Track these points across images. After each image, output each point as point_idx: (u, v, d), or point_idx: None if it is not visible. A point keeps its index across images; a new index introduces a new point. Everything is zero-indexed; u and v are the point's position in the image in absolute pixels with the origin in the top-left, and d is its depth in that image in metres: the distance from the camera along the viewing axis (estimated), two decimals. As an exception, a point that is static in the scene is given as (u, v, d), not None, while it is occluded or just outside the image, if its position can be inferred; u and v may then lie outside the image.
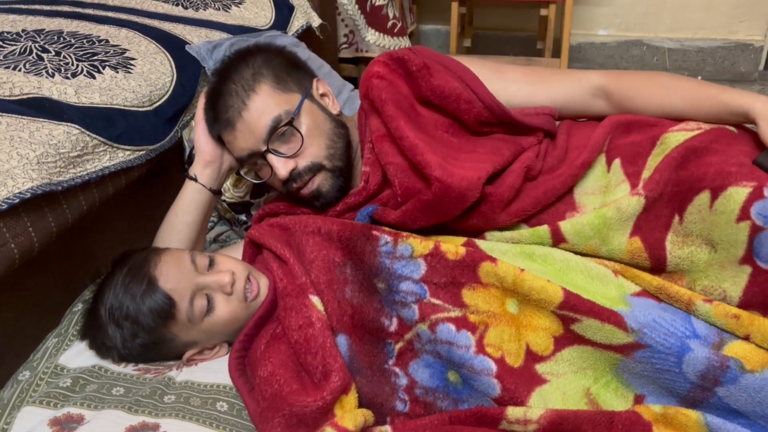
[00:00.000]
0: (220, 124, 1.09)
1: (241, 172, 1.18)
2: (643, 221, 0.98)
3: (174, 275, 0.98)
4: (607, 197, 1.04)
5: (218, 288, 0.99)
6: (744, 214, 0.88)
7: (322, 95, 1.16)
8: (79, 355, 1.02)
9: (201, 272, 1.00)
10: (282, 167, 1.06)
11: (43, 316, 1.07)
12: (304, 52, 1.67)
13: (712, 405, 0.86)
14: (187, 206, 1.16)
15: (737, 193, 0.89)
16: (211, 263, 1.02)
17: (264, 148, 1.06)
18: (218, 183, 1.17)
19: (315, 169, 1.09)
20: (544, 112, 1.14)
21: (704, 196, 0.92)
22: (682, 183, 0.96)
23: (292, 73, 1.12)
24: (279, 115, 1.06)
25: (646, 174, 1.01)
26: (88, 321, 1.02)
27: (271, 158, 1.07)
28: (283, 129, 1.06)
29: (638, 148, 1.05)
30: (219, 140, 1.14)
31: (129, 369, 1.01)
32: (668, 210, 0.96)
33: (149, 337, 0.98)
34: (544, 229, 1.03)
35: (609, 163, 1.07)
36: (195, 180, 1.15)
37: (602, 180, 1.06)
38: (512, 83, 1.14)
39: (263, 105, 1.06)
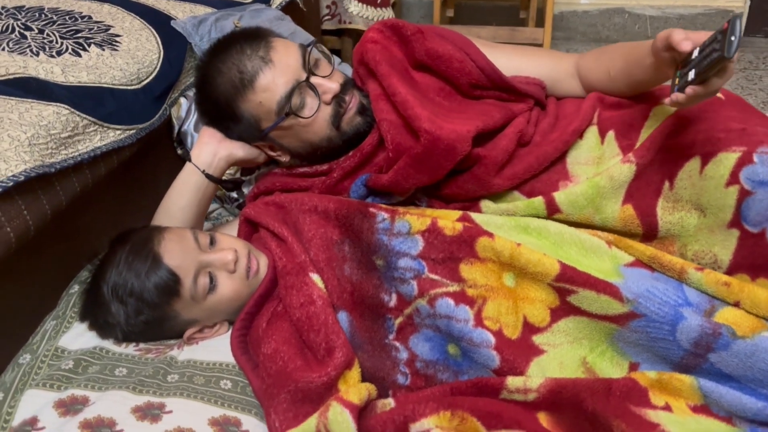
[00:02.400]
0: (241, 87, 1.07)
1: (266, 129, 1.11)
2: (634, 188, 1.00)
3: (178, 252, 0.98)
4: (600, 168, 1.06)
5: (221, 266, 1.00)
6: (733, 179, 0.89)
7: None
8: (78, 337, 1.02)
9: (204, 250, 1.01)
10: (331, 84, 1.09)
11: (39, 299, 1.07)
12: (289, 26, 1.65)
13: (704, 370, 0.88)
14: (180, 188, 1.15)
15: (727, 159, 0.90)
16: (212, 241, 1.03)
17: (305, 75, 1.07)
18: (214, 168, 1.15)
19: (349, 83, 1.14)
20: (535, 82, 1.16)
21: (694, 162, 0.94)
22: (672, 150, 0.98)
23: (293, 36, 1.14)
24: (302, 43, 1.11)
25: (639, 145, 1.03)
26: (88, 300, 1.02)
27: (317, 80, 1.08)
28: (310, 54, 1.09)
29: (631, 120, 1.07)
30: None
31: (130, 349, 1.02)
32: (658, 176, 0.99)
33: (153, 314, 0.98)
34: (539, 201, 1.05)
35: (602, 134, 1.08)
36: (189, 161, 1.14)
37: (596, 151, 1.08)
38: (501, 56, 1.15)
39: (285, 44, 1.09)
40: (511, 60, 1.16)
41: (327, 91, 1.08)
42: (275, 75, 1.06)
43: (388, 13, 2.42)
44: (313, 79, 1.08)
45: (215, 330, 1.05)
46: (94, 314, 1.02)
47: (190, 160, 1.14)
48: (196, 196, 1.15)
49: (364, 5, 2.39)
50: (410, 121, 1.04)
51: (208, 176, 1.14)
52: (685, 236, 0.97)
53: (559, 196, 1.03)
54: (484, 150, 1.06)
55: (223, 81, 1.08)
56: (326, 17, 2.44)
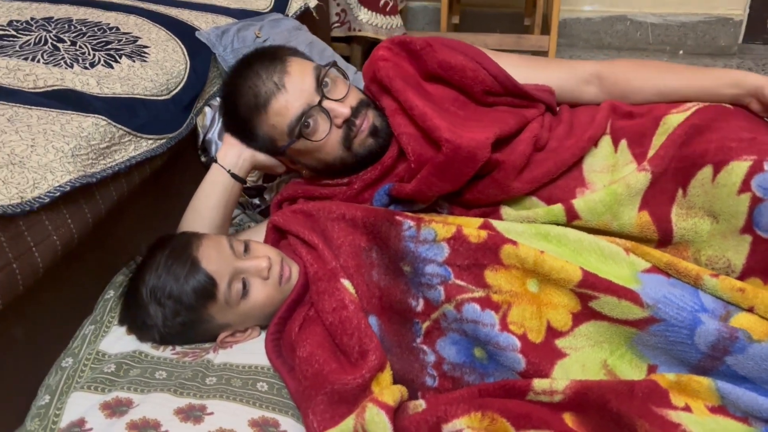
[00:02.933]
0: (255, 109, 1.12)
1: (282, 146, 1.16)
2: (650, 196, 1.05)
3: (215, 258, 1.02)
4: (615, 175, 1.11)
5: (256, 273, 1.04)
6: (745, 187, 0.94)
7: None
8: (117, 341, 1.06)
9: (239, 257, 1.05)
10: (343, 109, 1.12)
11: (77, 304, 1.10)
12: (306, 36, 1.69)
13: (721, 372, 0.91)
14: (209, 188, 1.20)
15: (738, 167, 0.95)
16: (246, 249, 1.07)
17: (318, 98, 1.11)
18: (239, 168, 1.19)
19: (364, 104, 1.16)
20: (544, 89, 1.20)
21: (707, 171, 0.99)
22: (685, 159, 1.02)
23: (312, 54, 1.18)
24: (317, 66, 1.14)
25: (651, 153, 1.08)
26: (127, 303, 1.06)
27: (329, 103, 1.11)
28: (326, 76, 1.12)
29: (643, 129, 1.11)
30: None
31: (168, 353, 1.05)
32: (673, 184, 1.03)
33: (189, 316, 1.02)
34: (558, 208, 1.09)
35: (615, 143, 1.13)
36: (215, 161, 1.19)
37: (610, 159, 1.13)
38: (510, 66, 1.18)
39: (301, 66, 1.13)
40: (520, 69, 1.19)
41: (338, 115, 1.12)
42: (288, 100, 1.11)
43: (396, 21, 2.46)
44: (326, 103, 1.11)
45: (247, 334, 1.09)
46: (133, 316, 1.05)
47: (216, 162, 1.19)
48: (223, 195, 1.20)
49: (373, 13, 2.43)
50: (430, 132, 1.08)
51: (233, 176, 1.19)
52: (698, 242, 1.01)
53: (578, 203, 1.08)
54: (502, 155, 1.10)
55: (242, 102, 1.13)
56: (336, 24, 2.48)
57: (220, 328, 1.06)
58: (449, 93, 1.18)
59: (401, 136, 1.13)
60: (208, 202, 1.19)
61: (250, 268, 1.04)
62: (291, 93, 1.11)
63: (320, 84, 1.12)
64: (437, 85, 1.19)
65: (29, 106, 1.07)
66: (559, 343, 0.99)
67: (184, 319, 1.02)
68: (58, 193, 0.95)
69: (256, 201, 1.48)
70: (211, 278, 1.00)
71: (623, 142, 1.12)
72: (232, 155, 1.19)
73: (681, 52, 2.99)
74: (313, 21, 1.97)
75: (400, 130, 1.13)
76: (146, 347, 1.05)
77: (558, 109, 1.22)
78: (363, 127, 1.14)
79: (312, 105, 1.11)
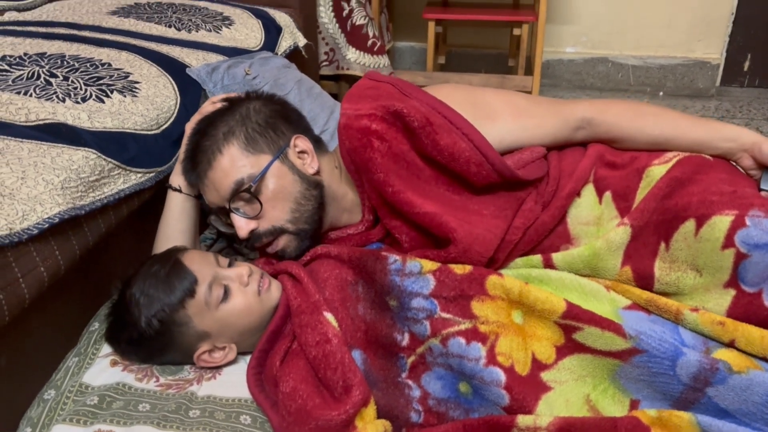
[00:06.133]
0: (194, 174, 1.14)
1: (210, 219, 1.20)
2: (632, 250, 1.05)
3: (198, 261, 1.06)
4: (600, 229, 1.10)
5: (236, 278, 1.06)
6: (728, 242, 0.95)
7: (301, 152, 1.15)
8: (101, 373, 1.05)
9: (222, 267, 1.08)
10: (243, 227, 1.09)
11: (64, 336, 1.10)
12: (295, 74, 1.72)
13: (702, 405, 0.92)
14: (179, 215, 1.21)
15: (721, 222, 0.96)
16: (230, 264, 1.09)
17: (228, 207, 1.10)
18: (185, 186, 1.21)
19: (276, 232, 1.12)
20: (536, 155, 1.16)
21: (689, 225, 0.99)
22: (667, 212, 1.02)
23: (267, 133, 1.13)
24: (242, 178, 1.08)
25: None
26: (111, 309, 1.08)
27: (234, 217, 1.10)
28: (244, 193, 1.09)
29: (627, 182, 1.11)
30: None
31: (151, 385, 1.05)
32: (655, 237, 1.03)
33: (168, 314, 1.02)
34: (537, 259, 1.10)
35: (600, 194, 1.13)
36: (179, 191, 1.21)
37: (595, 211, 1.12)
38: (503, 129, 1.15)
39: (228, 166, 1.09)
40: (512, 132, 1.15)
41: (237, 232, 1.10)
42: (207, 188, 1.12)
43: (383, 61, 2.51)
44: (232, 216, 1.10)
45: (225, 354, 1.08)
46: (114, 314, 1.07)
47: (177, 190, 1.21)
48: (194, 218, 1.22)
49: (361, 53, 2.49)
50: (437, 228, 1.07)
51: (183, 193, 1.21)
52: (679, 294, 1.02)
53: (557, 257, 1.08)
54: None
55: None
56: (324, 63, 2.54)
57: (197, 337, 1.05)
58: (444, 177, 1.13)
59: (393, 229, 1.12)
60: (179, 227, 1.21)
61: (231, 274, 1.07)
62: (207, 187, 1.12)
63: (234, 193, 1.09)
64: (432, 167, 1.13)
65: (21, 139, 1.08)
66: (544, 375, 0.99)
67: (163, 316, 1.02)
68: (47, 225, 0.96)
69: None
70: (193, 275, 1.03)
71: (608, 195, 1.12)
72: (175, 175, 1.22)
73: (661, 93, 3.08)
74: (302, 59, 2.02)
75: (392, 224, 1.12)
76: (130, 379, 1.05)
77: (546, 156, 1.19)
78: (268, 249, 1.14)
79: (222, 208, 1.12)
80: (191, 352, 1.07)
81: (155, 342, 1.05)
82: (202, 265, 1.06)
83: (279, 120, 1.16)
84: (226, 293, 1.05)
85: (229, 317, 1.06)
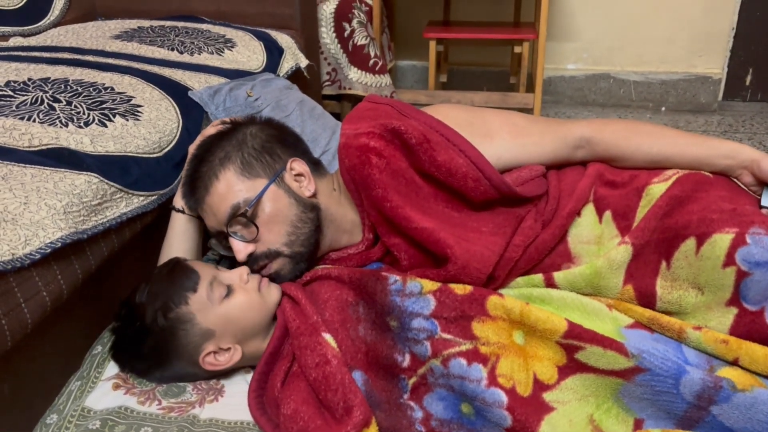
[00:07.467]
0: (193, 199, 1.16)
1: (211, 243, 1.22)
2: (633, 268, 1.04)
3: (199, 265, 1.10)
4: (601, 249, 1.10)
5: (237, 277, 1.09)
6: (729, 260, 0.95)
7: (298, 175, 1.16)
8: (103, 397, 1.05)
9: (221, 271, 1.11)
10: (242, 251, 1.10)
11: (66, 360, 1.10)
12: (297, 95, 1.74)
13: (707, 424, 0.92)
14: (182, 236, 1.22)
15: (721, 240, 0.95)
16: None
17: (226, 231, 1.11)
18: (188, 208, 1.23)
19: (271, 255, 1.12)
20: (534, 173, 1.16)
21: (690, 243, 0.99)
22: (667, 230, 1.02)
23: (262, 157, 1.13)
24: (238, 203, 1.09)
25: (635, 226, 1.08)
26: (117, 317, 1.09)
27: (232, 241, 1.11)
28: (240, 217, 1.09)
29: (627, 201, 1.11)
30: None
31: (153, 408, 1.05)
32: (656, 256, 1.03)
33: (173, 308, 1.03)
34: (538, 278, 1.10)
35: (600, 213, 1.13)
36: (183, 212, 1.22)
37: (596, 230, 1.12)
38: (500, 147, 1.15)
39: (225, 191, 1.10)
40: (510, 151, 1.16)
41: (236, 255, 1.12)
42: (205, 213, 1.14)
43: (385, 80, 2.53)
44: (230, 240, 1.11)
45: (230, 355, 1.08)
46: (118, 319, 1.08)
47: (180, 211, 1.22)
48: (197, 239, 1.24)
49: (363, 72, 2.51)
50: (434, 245, 1.07)
51: (186, 213, 1.22)
52: (681, 313, 1.01)
53: (558, 276, 1.08)
54: None
55: None
56: (326, 83, 2.56)
57: (202, 335, 1.05)
58: (442, 194, 1.13)
59: (392, 247, 1.13)
60: (183, 247, 1.22)
61: (232, 274, 1.10)
62: (206, 212, 1.15)
63: (231, 218, 1.11)
64: (430, 184, 1.13)
65: (24, 165, 1.09)
66: (547, 396, 0.99)
67: (167, 311, 1.03)
68: (50, 250, 0.97)
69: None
70: (195, 271, 1.06)
71: (608, 214, 1.12)
72: (178, 197, 1.23)
73: (663, 108, 3.08)
74: (304, 80, 2.03)
75: (391, 242, 1.13)
76: (132, 403, 1.05)
77: (546, 175, 1.19)
78: (262, 273, 1.14)
79: (221, 231, 1.14)
80: (196, 355, 1.06)
81: (160, 344, 1.05)
82: (203, 267, 1.09)
83: (275, 144, 1.17)
84: (229, 290, 1.07)
85: (232, 312, 1.06)
